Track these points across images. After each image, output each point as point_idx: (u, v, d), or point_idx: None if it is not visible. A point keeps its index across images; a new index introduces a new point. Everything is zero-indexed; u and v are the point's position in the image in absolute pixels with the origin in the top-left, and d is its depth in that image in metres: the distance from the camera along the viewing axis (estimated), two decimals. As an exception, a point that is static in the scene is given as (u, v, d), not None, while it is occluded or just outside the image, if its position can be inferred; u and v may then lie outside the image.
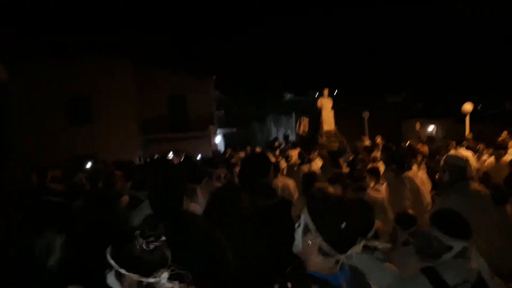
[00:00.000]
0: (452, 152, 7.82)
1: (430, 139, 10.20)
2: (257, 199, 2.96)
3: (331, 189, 3.95)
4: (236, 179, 5.69)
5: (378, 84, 38.25)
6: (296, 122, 22.68)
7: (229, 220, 2.48)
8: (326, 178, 5.88)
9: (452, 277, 2.20)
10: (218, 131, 24.28)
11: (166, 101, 22.65)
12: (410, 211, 3.99)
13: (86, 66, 19.36)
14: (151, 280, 1.60)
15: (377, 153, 9.35)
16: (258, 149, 13.40)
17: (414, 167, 6.14)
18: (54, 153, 16.76)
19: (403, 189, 5.25)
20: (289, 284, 1.25)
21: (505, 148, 7.21)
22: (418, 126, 14.81)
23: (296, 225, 1.81)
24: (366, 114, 16.68)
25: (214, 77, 24.65)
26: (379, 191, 5.50)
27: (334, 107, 16.29)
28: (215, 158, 10.23)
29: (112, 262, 1.61)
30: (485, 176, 6.63)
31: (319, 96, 17.20)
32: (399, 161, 5.68)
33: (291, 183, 5.75)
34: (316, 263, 1.73)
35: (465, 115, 12.91)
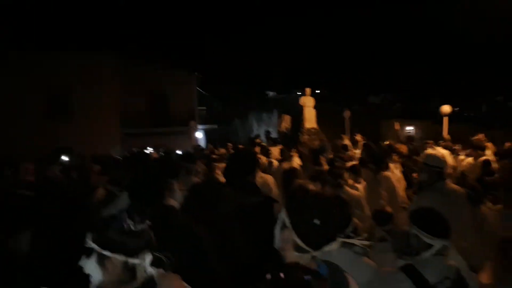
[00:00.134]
0: (429, 150, 7.94)
1: (409, 139, 10.34)
2: (242, 196, 2.93)
3: (311, 186, 3.93)
4: (215, 175, 5.68)
5: (359, 84, 38.72)
6: (277, 120, 22.74)
7: (207, 216, 2.43)
8: (306, 175, 5.90)
9: (432, 275, 2.20)
10: (200, 127, 24.15)
11: (147, 96, 22.43)
12: (387, 208, 4.02)
13: (68, 60, 19.07)
14: (135, 261, 1.61)
15: (357, 151, 9.42)
16: (240, 146, 13.35)
17: (392, 166, 6.22)
18: (32, 146, 16.39)
19: (380, 188, 5.31)
20: (282, 274, 1.24)
21: (483, 149, 7.35)
22: (397, 126, 15.01)
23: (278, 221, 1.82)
24: (347, 114, 16.84)
25: (196, 74, 24.52)
26: (358, 189, 5.54)
27: (316, 106, 16.39)
28: (195, 153, 10.15)
29: (94, 245, 1.60)
30: (462, 176, 6.75)
31: (301, 95, 17.26)
32: (376, 160, 5.74)
33: (270, 179, 5.74)
34: (292, 259, 1.72)
35: (443, 117, 13.15)
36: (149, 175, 2.51)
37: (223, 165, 8.80)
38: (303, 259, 1.72)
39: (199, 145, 15.63)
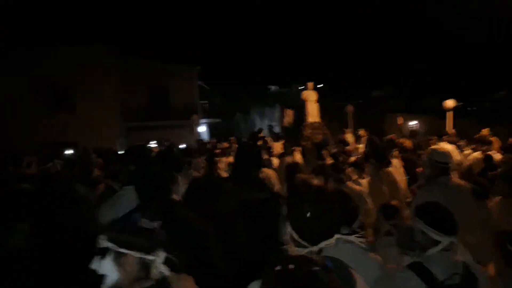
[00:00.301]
0: (434, 145, 7.90)
1: (412, 133, 10.28)
2: (247, 191, 2.91)
3: (314, 181, 3.90)
4: (217, 170, 5.65)
5: (363, 79, 38.55)
6: (280, 114, 22.68)
7: (207, 211, 2.40)
8: (309, 169, 5.87)
9: (440, 271, 2.16)
10: (202, 121, 24.12)
11: (148, 89, 22.41)
12: (395, 202, 3.99)
13: (69, 54, 19.04)
14: (150, 257, 1.66)
15: (360, 146, 9.38)
16: (243, 140, 13.35)
17: (394, 161, 6.18)
18: (34, 140, 16.45)
19: (382, 183, 5.27)
20: (291, 266, 1.23)
21: (489, 144, 7.31)
22: (400, 120, 14.93)
23: None
24: (350, 108, 16.74)
25: (198, 67, 24.45)
26: (361, 184, 5.51)
27: (319, 100, 16.29)
28: (197, 148, 10.13)
29: (110, 244, 1.64)
30: (469, 170, 6.71)
31: (303, 89, 17.17)
32: (379, 155, 5.69)
33: (272, 174, 5.73)
34: (295, 252, 1.71)
35: (447, 111, 13.07)
36: (154, 170, 2.47)
37: (225, 159, 8.82)
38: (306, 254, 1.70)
39: (202, 139, 15.62)
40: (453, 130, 9.78)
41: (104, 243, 1.66)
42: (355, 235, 1.83)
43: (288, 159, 7.52)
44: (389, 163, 5.70)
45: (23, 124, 17.90)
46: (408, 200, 5.34)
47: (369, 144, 7.60)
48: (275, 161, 7.94)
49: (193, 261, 2.07)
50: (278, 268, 1.27)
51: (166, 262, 1.70)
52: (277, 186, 5.46)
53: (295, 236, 1.71)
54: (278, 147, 10.30)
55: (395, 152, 7.00)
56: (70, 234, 1.98)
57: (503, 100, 33.34)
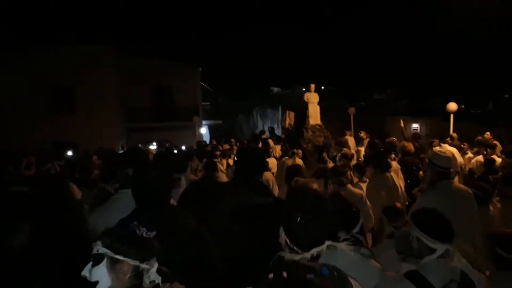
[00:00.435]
0: (437, 148, 7.85)
1: (415, 136, 10.20)
2: (248, 195, 2.87)
3: (313, 185, 3.86)
4: (215, 173, 5.62)
5: (365, 81, 38.50)
6: (282, 116, 22.63)
7: (204, 215, 2.36)
8: (310, 172, 5.83)
9: (437, 279, 2.13)
10: (204, 122, 24.11)
11: (150, 90, 22.39)
12: (399, 205, 3.96)
13: (70, 54, 19.03)
14: (144, 266, 1.65)
15: (361, 149, 9.33)
16: (245, 142, 13.33)
17: (394, 164, 6.12)
18: (35, 140, 16.43)
19: (381, 187, 5.22)
20: (284, 273, 1.20)
21: (492, 148, 7.26)
22: (402, 123, 14.87)
23: None
24: (352, 110, 16.68)
25: (200, 69, 24.45)
26: (362, 187, 5.46)
27: (320, 102, 16.26)
28: (197, 150, 10.10)
29: (106, 250, 1.63)
30: (470, 174, 6.66)
31: (306, 91, 17.13)
32: (378, 159, 5.64)
33: (269, 176, 5.69)
34: (289, 258, 1.68)
35: (449, 114, 13.00)
36: (151, 174, 2.41)
37: (225, 161, 8.80)
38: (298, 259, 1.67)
39: (203, 141, 15.60)
40: (455, 134, 9.71)
41: (99, 249, 1.65)
42: (346, 242, 1.78)
43: (289, 161, 7.48)
44: (388, 167, 5.63)
45: (23, 125, 17.90)
46: (407, 204, 5.29)
47: (370, 147, 7.55)
48: (275, 164, 7.91)
49: (189, 266, 2.04)
50: (271, 275, 1.24)
51: (158, 272, 1.69)
52: (275, 189, 5.42)
53: (288, 241, 1.68)
54: (278, 149, 10.27)
55: (393, 155, 6.95)
56: (60, 237, 1.96)
57: (506, 102, 33.21)
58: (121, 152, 6.47)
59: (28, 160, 6.43)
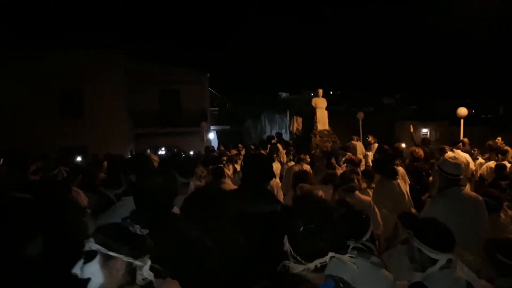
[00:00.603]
0: (449, 153, 7.75)
1: (424, 141, 10.07)
2: (255, 203, 2.83)
3: (319, 192, 3.79)
4: (221, 179, 5.57)
5: (373, 86, 38.33)
6: (290, 121, 22.58)
7: (206, 222, 2.32)
8: (318, 178, 5.76)
9: None
10: (212, 127, 24.14)
11: (158, 95, 22.45)
12: (414, 211, 3.90)
13: (79, 59, 19.15)
14: (137, 263, 1.65)
15: (369, 154, 9.23)
16: (252, 147, 13.29)
17: (400, 169, 6.01)
18: (44, 145, 16.52)
19: (385, 195, 5.13)
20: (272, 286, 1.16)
21: (504, 153, 7.14)
22: (411, 128, 14.73)
23: None
24: (360, 115, 16.57)
25: (208, 74, 24.52)
26: (369, 194, 5.37)
27: (328, 107, 16.16)
28: (205, 155, 10.08)
29: (99, 247, 1.62)
30: (481, 180, 6.55)
31: (314, 96, 17.05)
32: (383, 166, 5.55)
33: (274, 182, 5.64)
34: (292, 268, 1.62)
35: (459, 119, 12.85)
36: (153, 181, 2.37)
37: (232, 166, 8.75)
38: (303, 269, 1.60)
39: (210, 146, 15.60)
40: (466, 139, 9.57)
41: (92, 245, 1.63)
42: (350, 254, 1.71)
43: (296, 167, 7.42)
44: (395, 174, 5.50)
45: (31, 129, 17.94)
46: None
47: (379, 152, 7.45)
48: (279, 168, 7.84)
49: (190, 273, 2.00)
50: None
51: (151, 268, 1.69)
52: (279, 195, 5.35)
53: (291, 251, 1.63)
54: (285, 154, 10.20)
55: (398, 161, 6.83)
56: (58, 244, 1.94)
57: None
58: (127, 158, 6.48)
59: (36, 165, 6.46)
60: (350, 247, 2.53)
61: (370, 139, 10.85)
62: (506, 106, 33.38)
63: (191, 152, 17.22)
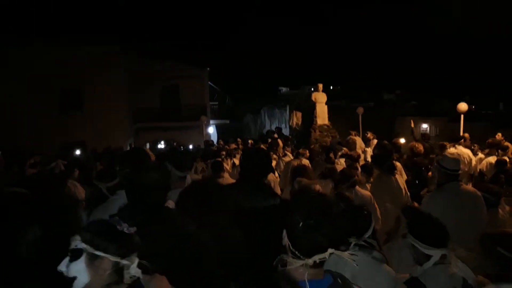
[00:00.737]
0: (451, 149, 7.74)
1: (424, 136, 10.04)
2: (253, 198, 2.81)
3: (317, 186, 3.77)
4: (220, 174, 5.56)
5: (374, 81, 38.26)
6: (289, 116, 22.55)
7: (202, 216, 2.30)
8: (317, 173, 5.74)
9: (438, 286, 2.06)
10: (211, 122, 24.14)
11: (159, 90, 22.47)
12: (417, 205, 3.90)
13: (79, 55, 19.14)
14: (125, 262, 1.61)
15: (368, 149, 9.22)
16: (250, 142, 13.28)
17: (398, 165, 5.99)
18: (44, 142, 16.53)
19: (383, 190, 5.11)
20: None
21: (504, 149, 7.13)
22: (412, 123, 14.70)
23: None
24: (360, 110, 16.54)
25: (208, 69, 24.47)
26: (368, 188, 5.36)
27: (328, 102, 16.13)
28: (204, 150, 10.06)
29: (86, 246, 1.59)
30: (480, 175, 6.54)
31: (314, 90, 17.01)
32: (381, 162, 5.52)
33: (272, 177, 5.62)
34: (290, 263, 1.61)
35: (459, 115, 12.82)
36: (147, 177, 2.35)
37: (230, 160, 8.74)
38: (299, 265, 1.59)
39: (210, 140, 15.58)
40: (467, 135, 9.55)
41: (78, 244, 1.60)
42: (350, 252, 1.69)
43: (295, 162, 7.40)
44: (393, 170, 5.48)
45: (32, 126, 18.01)
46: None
47: (379, 148, 7.43)
48: (275, 163, 7.83)
49: (185, 270, 1.98)
50: None
51: (139, 266, 1.66)
52: (277, 190, 5.34)
53: (290, 245, 1.60)
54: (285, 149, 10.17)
55: (395, 155, 6.81)
56: (51, 237, 1.92)
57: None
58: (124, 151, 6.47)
59: (33, 159, 6.45)
60: (352, 244, 2.51)
61: (369, 135, 10.81)
62: (506, 103, 33.34)
63: (191, 146, 17.22)
